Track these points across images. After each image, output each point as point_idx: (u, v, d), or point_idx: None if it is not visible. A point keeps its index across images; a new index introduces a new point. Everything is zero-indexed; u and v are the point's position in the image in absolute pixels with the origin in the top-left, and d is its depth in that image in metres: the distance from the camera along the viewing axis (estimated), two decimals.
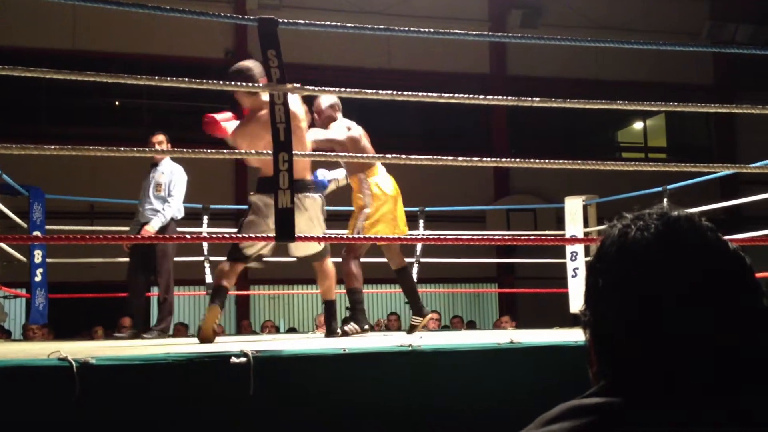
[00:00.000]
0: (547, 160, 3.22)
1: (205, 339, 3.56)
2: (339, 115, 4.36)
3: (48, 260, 5.81)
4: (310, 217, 3.78)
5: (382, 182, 4.29)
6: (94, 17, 9.65)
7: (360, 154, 4.21)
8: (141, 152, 2.85)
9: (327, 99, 4.36)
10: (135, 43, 10.17)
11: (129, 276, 5.32)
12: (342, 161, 4.29)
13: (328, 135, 4.22)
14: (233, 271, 3.83)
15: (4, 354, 2.68)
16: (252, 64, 3.73)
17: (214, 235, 6.41)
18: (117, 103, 10.98)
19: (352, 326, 4.12)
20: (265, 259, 3.95)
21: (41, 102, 10.29)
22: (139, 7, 2.88)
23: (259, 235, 3.57)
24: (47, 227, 5.82)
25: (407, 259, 6.09)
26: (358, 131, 4.32)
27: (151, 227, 5.22)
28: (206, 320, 3.61)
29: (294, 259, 4.05)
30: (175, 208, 5.35)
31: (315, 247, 3.91)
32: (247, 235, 3.66)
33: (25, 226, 5.77)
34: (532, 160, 3.23)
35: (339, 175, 4.38)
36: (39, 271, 5.65)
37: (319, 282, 4.14)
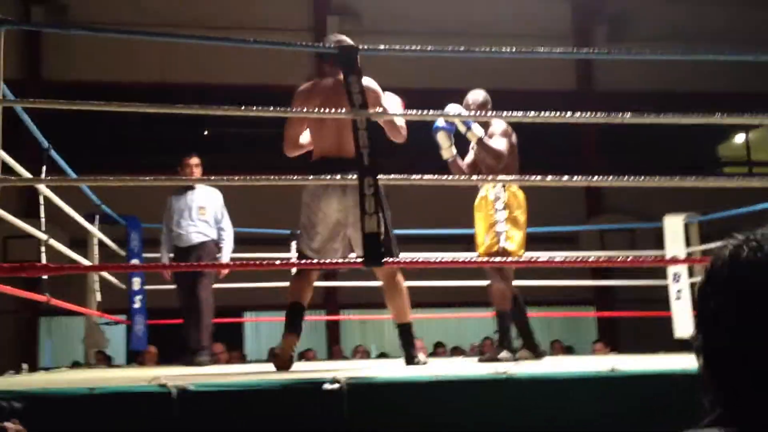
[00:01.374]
0: (641, 177, 3.10)
1: (280, 366, 3.23)
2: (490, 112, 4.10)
3: (146, 287, 5.99)
4: (353, 202, 3.16)
5: (517, 191, 4.07)
6: (182, 50, 10.03)
7: (456, 176, 4.06)
8: (231, 181, 2.90)
9: (476, 95, 4.12)
10: (220, 74, 10.50)
11: (185, 305, 5.20)
12: (477, 157, 4.09)
13: (495, 146, 3.98)
14: (304, 281, 3.43)
15: (107, 379, 2.76)
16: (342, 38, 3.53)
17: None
18: (206, 132, 11.33)
19: (505, 354, 3.81)
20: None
21: (134, 134, 10.72)
22: (226, 41, 2.96)
23: (344, 261, 3.44)
24: (144, 255, 6.00)
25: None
26: (514, 136, 4.10)
27: (227, 258, 5.22)
28: (283, 348, 3.33)
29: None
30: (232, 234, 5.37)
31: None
32: (329, 261, 3.37)
33: (123, 254, 5.98)
34: (623, 178, 3.12)
35: (478, 132, 3.97)
36: (138, 297, 5.83)
37: (388, 300, 3.43)
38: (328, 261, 3.37)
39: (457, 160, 4.12)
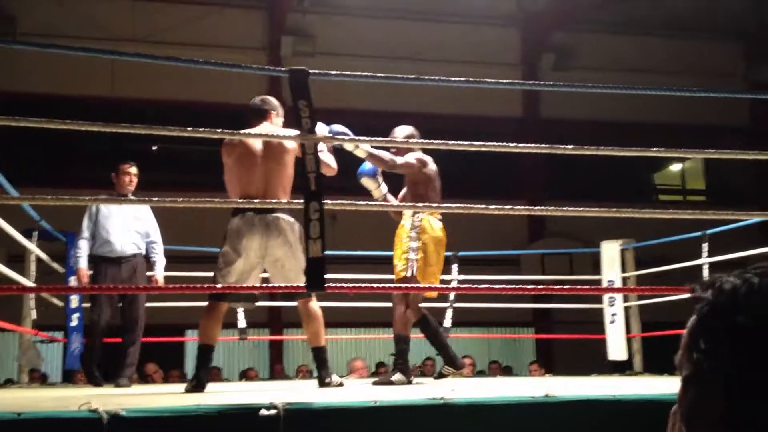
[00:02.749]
0: (580, 208, 3.18)
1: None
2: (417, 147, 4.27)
3: (84, 305, 5.85)
4: (284, 240, 3.54)
5: (434, 222, 4.17)
6: (133, 65, 9.89)
7: (397, 204, 4.18)
8: (173, 202, 2.88)
9: (402, 130, 4.25)
10: (172, 90, 10.38)
11: (101, 321, 5.00)
12: (400, 194, 4.27)
13: (395, 158, 4.13)
14: (214, 318, 3.55)
15: (37, 402, 2.69)
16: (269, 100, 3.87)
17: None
18: (154, 147, 11.17)
19: (398, 377, 3.95)
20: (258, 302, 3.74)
21: (79, 147, 10.51)
22: (174, 61, 2.94)
23: (286, 285, 3.51)
24: None
25: (441, 305, 6.03)
26: (433, 168, 4.23)
27: (162, 272, 5.12)
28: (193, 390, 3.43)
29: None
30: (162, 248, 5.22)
31: (297, 279, 3.47)
32: (269, 285, 3.58)
33: (62, 271, 5.83)
34: (564, 208, 3.20)
35: (364, 146, 4.10)
36: (75, 315, 5.68)
37: (304, 325, 3.71)
38: (270, 285, 3.42)
39: (387, 197, 4.30)
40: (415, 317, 4.22)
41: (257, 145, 3.62)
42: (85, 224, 5.07)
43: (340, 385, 3.66)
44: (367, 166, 4.14)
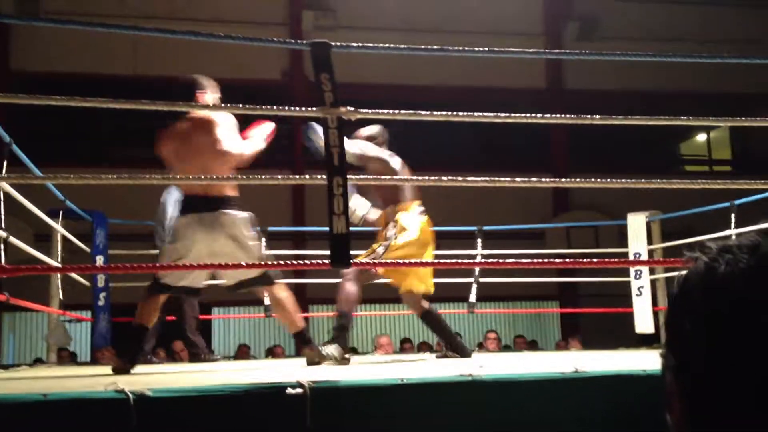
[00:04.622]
0: (607, 180, 3.12)
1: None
2: (384, 147, 4.12)
3: (111, 284, 5.90)
4: (229, 235, 3.42)
5: (412, 220, 3.96)
6: (155, 42, 9.88)
7: (414, 178, 4.10)
8: (196, 179, 2.86)
9: (367, 131, 4.14)
10: (194, 67, 10.34)
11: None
12: (375, 191, 4.09)
13: (366, 150, 3.97)
14: (152, 306, 3.46)
15: (64, 382, 2.70)
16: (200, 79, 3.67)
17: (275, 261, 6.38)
18: None
19: (332, 350, 3.70)
20: (212, 283, 3.67)
21: (104, 126, 10.55)
22: (193, 35, 2.90)
23: (315, 262, 3.48)
24: (110, 252, 5.92)
25: (466, 280, 6.00)
26: (398, 162, 4.05)
27: None
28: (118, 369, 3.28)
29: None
30: None
31: (248, 272, 3.49)
32: (282, 263, 3.56)
33: (87, 250, 5.87)
34: (592, 179, 3.14)
35: (361, 208, 4.01)
36: (102, 294, 5.74)
37: (277, 314, 3.72)
38: (296, 263, 3.41)
39: (369, 215, 4.12)
40: (418, 312, 4.12)
41: (187, 139, 3.48)
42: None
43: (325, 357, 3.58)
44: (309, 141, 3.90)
